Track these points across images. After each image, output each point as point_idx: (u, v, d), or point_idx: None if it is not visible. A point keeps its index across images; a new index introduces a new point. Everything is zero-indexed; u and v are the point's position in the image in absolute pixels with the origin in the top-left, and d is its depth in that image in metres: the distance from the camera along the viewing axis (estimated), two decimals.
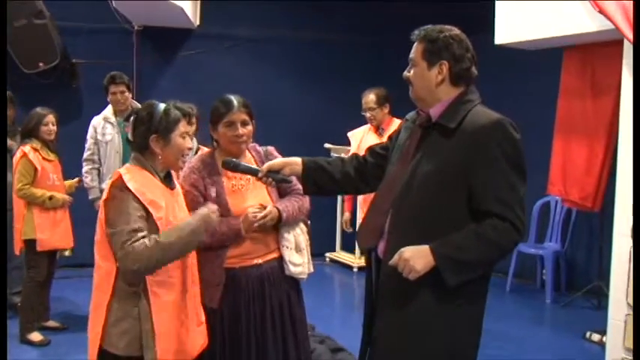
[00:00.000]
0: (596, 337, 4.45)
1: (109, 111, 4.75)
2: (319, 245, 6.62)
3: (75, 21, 5.92)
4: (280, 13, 6.61)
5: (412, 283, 1.95)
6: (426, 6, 5.30)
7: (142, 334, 2.14)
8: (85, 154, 4.71)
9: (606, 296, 4.43)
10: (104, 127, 4.68)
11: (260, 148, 2.72)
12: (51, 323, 4.46)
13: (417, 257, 1.91)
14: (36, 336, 4.20)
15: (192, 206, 2.43)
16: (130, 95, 4.73)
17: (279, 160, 2.32)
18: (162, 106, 2.27)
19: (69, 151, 4.81)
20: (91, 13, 5.95)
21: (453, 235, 1.92)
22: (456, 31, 2.04)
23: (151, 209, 2.13)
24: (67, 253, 4.49)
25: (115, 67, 5.09)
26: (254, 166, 2.45)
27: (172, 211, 2.22)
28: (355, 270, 6.47)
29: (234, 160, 2.39)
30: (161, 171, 2.27)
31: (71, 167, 4.72)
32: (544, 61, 4.89)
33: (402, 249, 1.93)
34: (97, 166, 4.70)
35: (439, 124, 2.00)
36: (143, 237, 2.08)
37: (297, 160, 2.28)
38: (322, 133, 6.42)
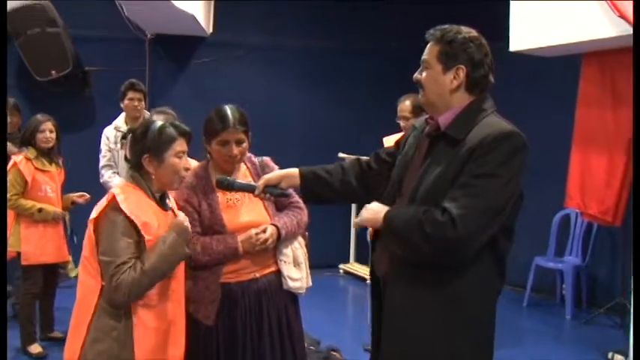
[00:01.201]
0: (619, 358, 4.23)
1: (120, 120, 4.74)
2: (333, 257, 6.60)
3: (88, 29, 5.93)
4: (293, 22, 6.57)
5: (416, 301, 1.86)
6: (437, 11, 5.19)
7: (119, 358, 2.06)
8: (102, 161, 4.67)
9: (630, 314, 4.23)
10: (116, 137, 4.67)
11: (255, 159, 2.63)
12: (56, 334, 4.39)
13: (370, 221, 1.95)
14: (35, 348, 4.13)
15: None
16: (144, 105, 4.71)
17: (275, 173, 2.23)
18: (158, 124, 2.19)
19: (80, 160, 4.80)
20: (104, 22, 5.96)
21: (409, 208, 1.86)
22: (474, 33, 1.90)
23: (142, 232, 2.06)
24: (72, 274, 4.39)
25: (127, 75, 5.08)
26: (250, 182, 2.36)
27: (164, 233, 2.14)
28: (369, 282, 6.32)
29: (228, 178, 2.31)
30: (157, 191, 2.20)
31: (82, 176, 4.65)
32: (561, 68, 4.76)
33: (365, 208, 1.97)
34: (116, 170, 4.64)
35: (447, 134, 1.87)
36: (130, 267, 2.03)
37: (295, 171, 2.18)
38: (335, 141, 6.36)
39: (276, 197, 2.25)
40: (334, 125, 6.65)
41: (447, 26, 1.91)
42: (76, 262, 4.35)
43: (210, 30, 6.34)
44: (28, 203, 3.99)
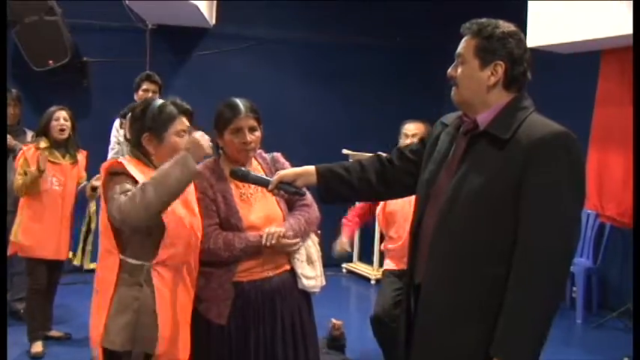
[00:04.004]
0: None
1: None
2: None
3: (87, 19, 5.79)
4: (297, 15, 6.48)
5: (454, 315, 1.74)
6: (450, 7, 5.06)
7: (142, 327, 2.05)
8: (110, 154, 4.56)
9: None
10: (124, 127, 4.56)
11: (266, 155, 2.56)
12: (54, 333, 4.27)
13: None
14: (36, 346, 4.01)
15: (205, 213, 2.33)
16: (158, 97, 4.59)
17: (290, 170, 2.13)
18: (158, 102, 2.14)
19: None
20: (104, 11, 5.83)
21: (506, 324, 1.67)
22: (513, 27, 1.80)
23: None
24: (81, 263, 4.21)
25: (127, 66, 4.98)
26: (264, 176, 2.28)
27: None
28: (373, 282, 6.29)
29: (242, 169, 2.23)
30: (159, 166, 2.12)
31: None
32: (579, 65, 4.64)
33: None
34: None
35: (489, 133, 1.75)
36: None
37: (311, 169, 2.07)
38: (339, 137, 6.30)
39: (289, 195, 2.17)
40: (337, 120, 6.57)
41: (484, 20, 1.80)
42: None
43: (213, 21, 6.21)
44: (20, 178, 3.86)
